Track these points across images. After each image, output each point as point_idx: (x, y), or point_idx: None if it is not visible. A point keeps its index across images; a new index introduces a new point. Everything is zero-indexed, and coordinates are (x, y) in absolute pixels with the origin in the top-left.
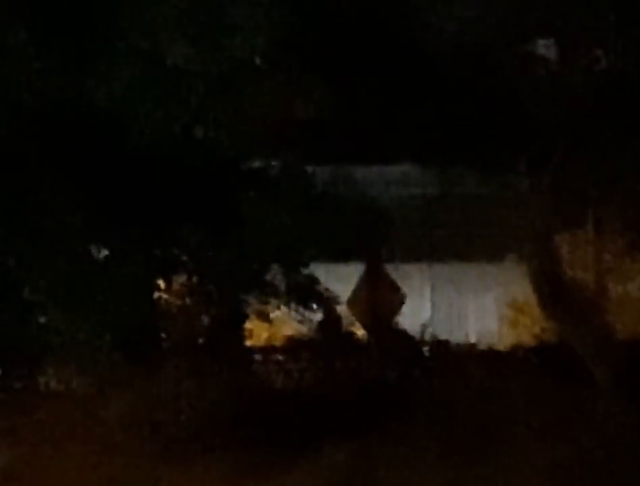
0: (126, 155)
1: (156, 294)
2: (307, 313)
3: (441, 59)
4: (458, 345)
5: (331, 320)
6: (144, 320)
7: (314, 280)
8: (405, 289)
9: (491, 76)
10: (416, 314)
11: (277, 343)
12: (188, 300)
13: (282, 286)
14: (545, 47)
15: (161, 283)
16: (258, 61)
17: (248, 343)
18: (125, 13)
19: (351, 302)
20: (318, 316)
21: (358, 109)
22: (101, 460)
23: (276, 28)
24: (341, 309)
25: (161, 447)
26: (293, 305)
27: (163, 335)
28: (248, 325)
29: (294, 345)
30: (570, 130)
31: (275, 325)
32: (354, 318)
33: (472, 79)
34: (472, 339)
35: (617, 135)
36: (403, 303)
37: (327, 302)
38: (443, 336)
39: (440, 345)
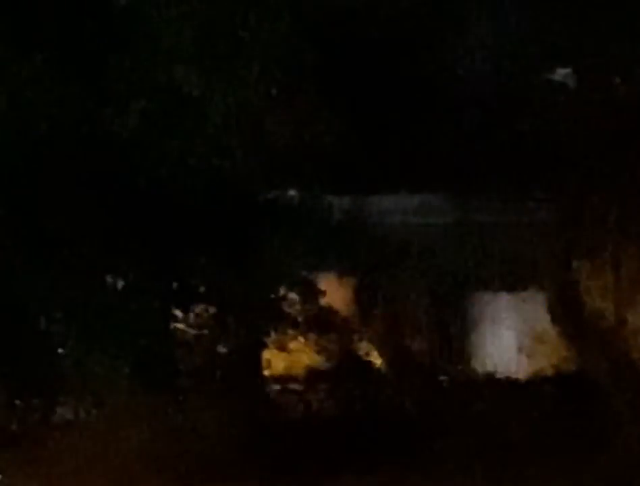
0: (143, 185)
1: (173, 325)
2: (324, 343)
3: (459, 88)
4: (476, 375)
5: (348, 350)
6: (162, 351)
7: (331, 310)
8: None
9: (510, 105)
10: (434, 344)
11: (295, 372)
12: (205, 331)
13: (300, 316)
14: (565, 76)
15: (179, 314)
16: (274, 91)
17: (266, 373)
18: (142, 43)
19: (370, 332)
20: (335, 346)
21: (376, 139)
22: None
23: (293, 59)
24: (358, 338)
25: (178, 478)
26: (310, 335)
27: (181, 366)
28: (266, 354)
29: (311, 375)
30: (590, 159)
31: (293, 354)
32: (374, 348)
33: (491, 109)
34: (491, 369)
35: (637, 163)
36: (422, 333)
37: (345, 331)
38: (460, 366)
39: (458, 375)
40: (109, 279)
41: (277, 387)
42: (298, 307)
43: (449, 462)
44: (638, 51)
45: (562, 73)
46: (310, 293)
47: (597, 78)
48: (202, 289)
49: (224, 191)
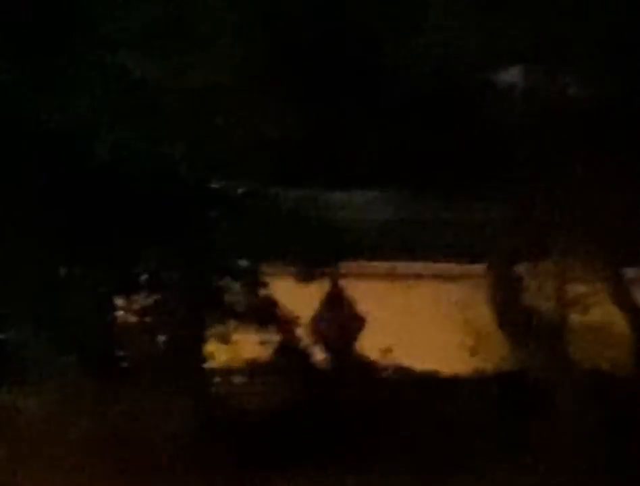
0: (89, 172)
1: (116, 313)
2: (267, 335)
3: (414, 83)
4: (418, 371)
5: (291, 343)
6: (104, 338)
7: (275, 302)
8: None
9: (463, 102)
10: (377, 339)
11: (237, 365)
12: (147, 320)
13: (243, 307)
14: (518, 74)
15: (122, 302)
16: (227, 80)
17: (208, 365)
18: (92, 26)
19: (312, 325)
20: (278, 337)
21: (329, 132)
22: (61, 480)
23: (248, 48)
24: (302, 331)
25: (118, 469)
26: (253, 326)
27: (123, 353)
28: (208, 346)
29: (253, 368)
30: (537, 159)
31: (235, 347)
32: (314, 340)
33: (444, 105)
34: (433, 365)
35: (585, 165)
36: (363, 327)
37: (288, 324)
38: (403, 362)
39: (400, 371)
40: (53, 264)
41: (219, 379)
42: (242, 298)
43: (389, 459)
44: (591, 50)
45: (512, 72)
46: (256, 285)
47: (547, 78)
48: (145, 278)
49: (170, 179)
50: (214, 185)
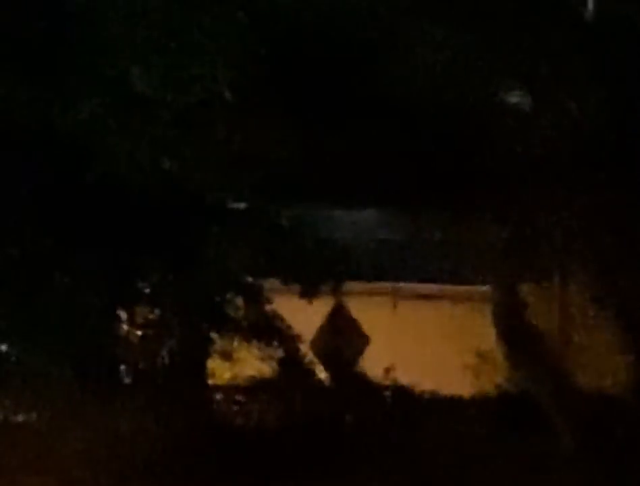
0: (91, 184)
1: (117, 326)
2: (269, 351)
3: (411, 104)
4: (419, 391)
5: (294, 360)
6: (104, 352)
7: (277, 317)
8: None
9: (461, 124)
10: (379, 358)
11: (239, 382)
12: (149, 333)
13: (245, 322)
14: (517, 96)
15: (123, 315)
16: (227, 95)
17: (210, 381)
18: (94, 40)
19: (314, 343)
20: (280, 354)
21: (328, 151)
22: None
23: (247, 63)
24: (305, 348)
25: (116, 482)
26: (255, 342)
27: (123, 367)
28: (210, 363)
29: (255, 385)
30: (540, 181)
31: (237, 363)
32: (316, 358)
33: (442, 127)
34: (434, 386)
35: (585, 187)
36: (366, 346)
37: (290, 340)
38: (404, 381)
39: (401, 391)
40: (53, 276)
41: (219, 393)
42: (242, 313)
43: (387, 476)
44: (590, 74)
45: (513, 94)
46: (256, 300)
47: (548, 101)
48: (147, 290)
49: (172, 193)
50: (214, 200)
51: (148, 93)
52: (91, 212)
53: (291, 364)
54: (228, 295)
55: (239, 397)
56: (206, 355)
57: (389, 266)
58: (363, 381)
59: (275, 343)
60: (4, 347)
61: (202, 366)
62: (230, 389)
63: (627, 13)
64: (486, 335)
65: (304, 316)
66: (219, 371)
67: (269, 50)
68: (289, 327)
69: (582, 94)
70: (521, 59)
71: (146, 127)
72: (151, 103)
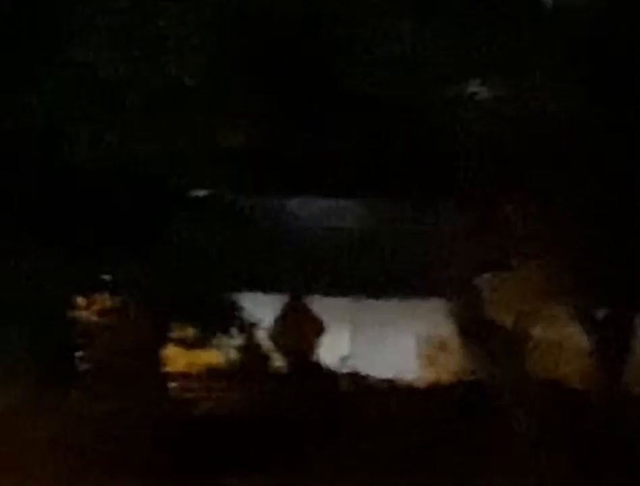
0: (53, 170)
1: (76, 314)
2: (228, 340)
3: (374, 95)
4: (375, 379)
5: (251, 348)
6: (63, 339)
7: (236, 307)
8: (326, 322)
9: (423, 114)
10: (335, 347)
11: (196, 369)
12: (109, 321)
13: (204, 311)
14: (477, 86)
15: (82, 302)
16: (191, 81)
17: (167, 368)
18: (58, 25)
19: (272, 331)
20: (238, 342)
21: (290, 140)
22: (17, 482)
23: (213, 50)
24: (263, 336)
25: (73, 471)
26: (214, 331)
27: (80, 355)
28: (167, 350)
29: (212, 373)
30: (500, 171)
31: (195, 351)
32: (274, 347)
33: (404, 116)
34: (391, 375)
35: (546, 178)
36: (323, 334)
37: (249, 329)
38: (361, 370)
39: (358, 379)
40: (12, 263)
41: (178, 382)
42: (201, 301)
43: (344, 466)
44: (550, 64)
45: (474, 83)
46: (215, 288)
47: (509, 91)
48: (106, 277)
49: (135, 179)
50: (177, 188)
51: (112, 78)
52: (51, 198)
53: (249, 352)
54: (188, 283)
55: (196, 385)
56: (165, 343)
57: (348, 255)
58: (320, 369)
59: (234, 331)
60: None
61: (160, 353)
62: (187, 377)
63: (587, 1)
64: (443, 324)
65: (263, 304)
66: (177, 359)
67: (235, 38)
68: (248, 315)
69: (543, 83)
70: (481, 50)
71: (110, 113)
72: (115, 89)
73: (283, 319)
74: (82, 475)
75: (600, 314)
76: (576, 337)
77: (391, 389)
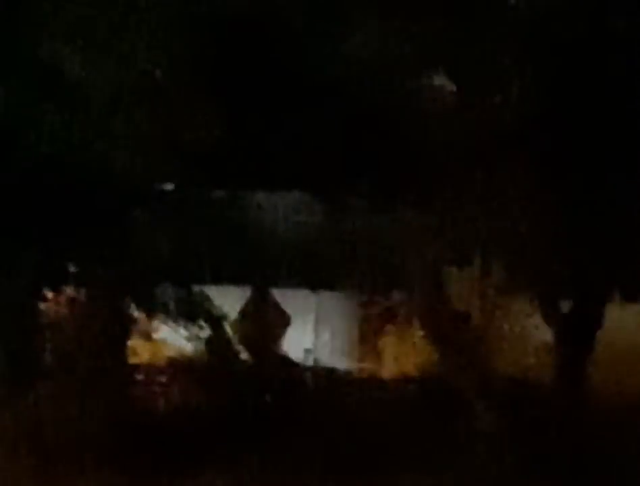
0: (16, 166)
1: (39, 307)
2: (193, 332)
3: (337, 90)
4: (339, 372)
5: (217, 341)
6: (26, 333)
7: (201, 300)
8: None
9: (385, 110)
10: (299, 340)
11: (160, 362)
12: (72, 314)
13: (169, 304)
14: (441, 83)
15: (46, 297)
16: (156, 75)
17: (131, 361)
18: (27, 22)
19: (236, 324)
20: (204, 335)
21: (253, 135)
22: None
23: (174, 46)
24: (229, 329)
25: (39, 465)
26: (180, 323)
27: (44, 349)
28: (132, 343)
29: (176, 365)
30: (462, 167)
31: (159, 344)
32: (238, 340)
33: (365, 112)
34: (354, 367)
35: (508, 173)
36: (288, 326)
37: (214, 321)
38: (325, 362)
39: (321, 372)
40: None
41: (142, 376)
42: (168, 295)
43: (307, 457)
44: (514, 62)
45: (438, 81)
46: (179, 282)
47: (472, 89)
48: (71, 271)
49: (99, 175)
50: (142, 183)
51: (74, 74)
52: (14, 192)
53: (214, 344)
54: (152, 277)
55: (160, 378)
56: (129, 335)
57: (312, 251)
58: (284, 362)
59: (198, 323)
60: None
61: (124, 346)
62: (151, 370)
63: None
64: (407, 318)
65: (228, 297)
66: (141, 351)
67: (196, 34)
68: (213, 307)
69: (507, 81)
70: (446, 47)
71: (72, 108)
72: (77, 85)
73: (248, 312)
74: (44, 469)
75: (564, 307)
76: (539, 331)
77: (354, 382)
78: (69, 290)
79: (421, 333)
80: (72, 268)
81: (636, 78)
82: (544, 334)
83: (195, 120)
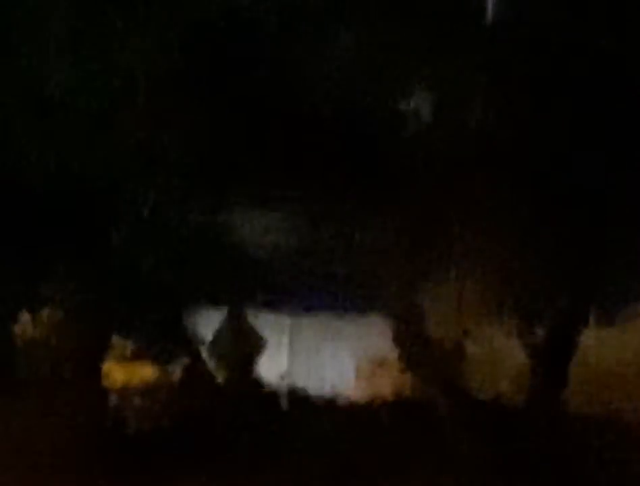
0: None
1: (14, 328)
2: (168, 355)
3: (313, 105)
4: (314, 396)
5: (191, 363)
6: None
7: (175, 321)
8: (265, 337)
9: (361, 126)
10: (274, 364)
11: (135, 384)
12: (48, 334)
13: (145, 325)
14: (417, 97)
15: (21, 317)
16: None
17: (105, 383)
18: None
19: (211, 346)
20: (179, 358)
21: (230, 155)
22: None
23: (158, 59)
24: (202, 352)
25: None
26: (154, 346)
27: (18, 368)
28: (107, 365)
29: (150, 388)
30: (439, 184)
31: (134, 366)
32: (213, 361)
33: (348, 127)
34: (329, 391)
35: (485, 187)
36: (263, 350)
37: (189, 344)
38: (299, 386)
39: (296, 395)
40: None
41: (118, 396)
42: (144, 316)
43: (282, 483)
44: (490, 77)
45: (414, 95)
46: (159, 304)
47: (448, 103)
48: (47, 290)
49: (74, 194)
50: (115, 202)
51: (55, 86)
52: None
53: (188, 367)
54: (128, 297)
55: (134, 400)
56: (104, 357)
57: (287, 271)
58: (259, 385)
59: (173, 346)
60: None
61: (99, 368)
62: (126, 392)
63: (527, 15)
64: (382, 340)
65: (203, 319)
66: (116, 374)
67: (178, 47)
68: (187, 329)
69: (483, 96)
70: (422, 62)
71: (53, 121)
72: (59, 97)
73: (223, 334)
74: None
75: (540, 330)
76: (515, 353)
77: (330, 406)
78: (44, 311)
79: (397, 355)
80: (47, 290)
81: (615, 94)
82: (521, 356)
83: (172, 137)
